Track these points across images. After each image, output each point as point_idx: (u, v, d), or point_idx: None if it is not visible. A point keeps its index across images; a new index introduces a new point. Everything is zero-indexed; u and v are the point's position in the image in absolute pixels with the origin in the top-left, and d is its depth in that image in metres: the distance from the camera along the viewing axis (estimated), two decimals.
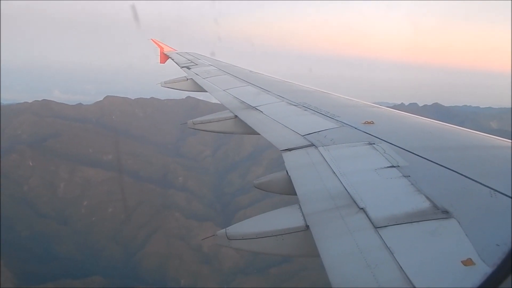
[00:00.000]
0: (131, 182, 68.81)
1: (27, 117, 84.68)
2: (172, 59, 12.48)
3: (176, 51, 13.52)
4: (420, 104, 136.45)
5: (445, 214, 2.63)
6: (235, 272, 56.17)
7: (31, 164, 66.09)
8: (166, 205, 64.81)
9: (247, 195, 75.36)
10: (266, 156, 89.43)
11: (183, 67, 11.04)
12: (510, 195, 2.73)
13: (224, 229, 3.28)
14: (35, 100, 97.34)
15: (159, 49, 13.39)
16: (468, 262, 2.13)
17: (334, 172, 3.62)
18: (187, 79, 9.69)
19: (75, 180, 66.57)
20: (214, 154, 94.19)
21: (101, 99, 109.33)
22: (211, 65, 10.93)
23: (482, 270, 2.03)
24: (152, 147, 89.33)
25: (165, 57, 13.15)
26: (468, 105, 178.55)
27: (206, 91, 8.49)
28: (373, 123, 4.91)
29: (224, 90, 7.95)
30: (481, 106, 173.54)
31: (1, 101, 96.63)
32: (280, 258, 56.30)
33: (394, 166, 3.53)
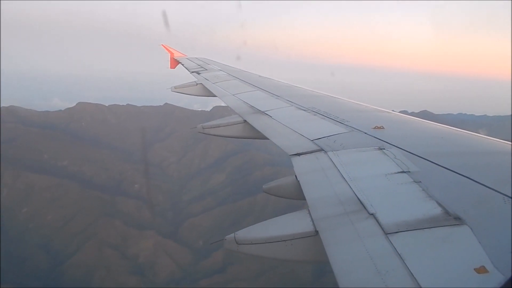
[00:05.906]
0: (77, 189, 67.24)
1: None
2: (182, 64, 12.67)
3: (186, 56, 13.75)
4: (409, 111, 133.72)
5: (457, 220, 2.58)
6: (167, 283, 53.87)
7: None
8: (108, 212, 62.92)
9: (200, 203, 73.27)
10: (230, 163, 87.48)
11: (192, 72, 11.16)
12: None
13: (233, 233, 3.23)
14: (3, 106, 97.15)
15: (169, 54, 13.61)
16: (481, 270, 2.08)
17: (344, 177, 3.56)
18: (197, 84, 9.79)
19: (18, 186, 65.20)
20: (179, 161, 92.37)
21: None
22: (221, 70, 11.07)
23: (496, 278, 2.01)
24: (114, 153, 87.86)
25: (175, 63, 13.42)
26: (463, 113, 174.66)
27: (216, 96, 8.55)
28: (383, 128, 4.86)
29: (233, 95, 7.99)
30: (476, 114, 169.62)
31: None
32: (212, 270, 53.96)
33: (405, 172, 3.46)
